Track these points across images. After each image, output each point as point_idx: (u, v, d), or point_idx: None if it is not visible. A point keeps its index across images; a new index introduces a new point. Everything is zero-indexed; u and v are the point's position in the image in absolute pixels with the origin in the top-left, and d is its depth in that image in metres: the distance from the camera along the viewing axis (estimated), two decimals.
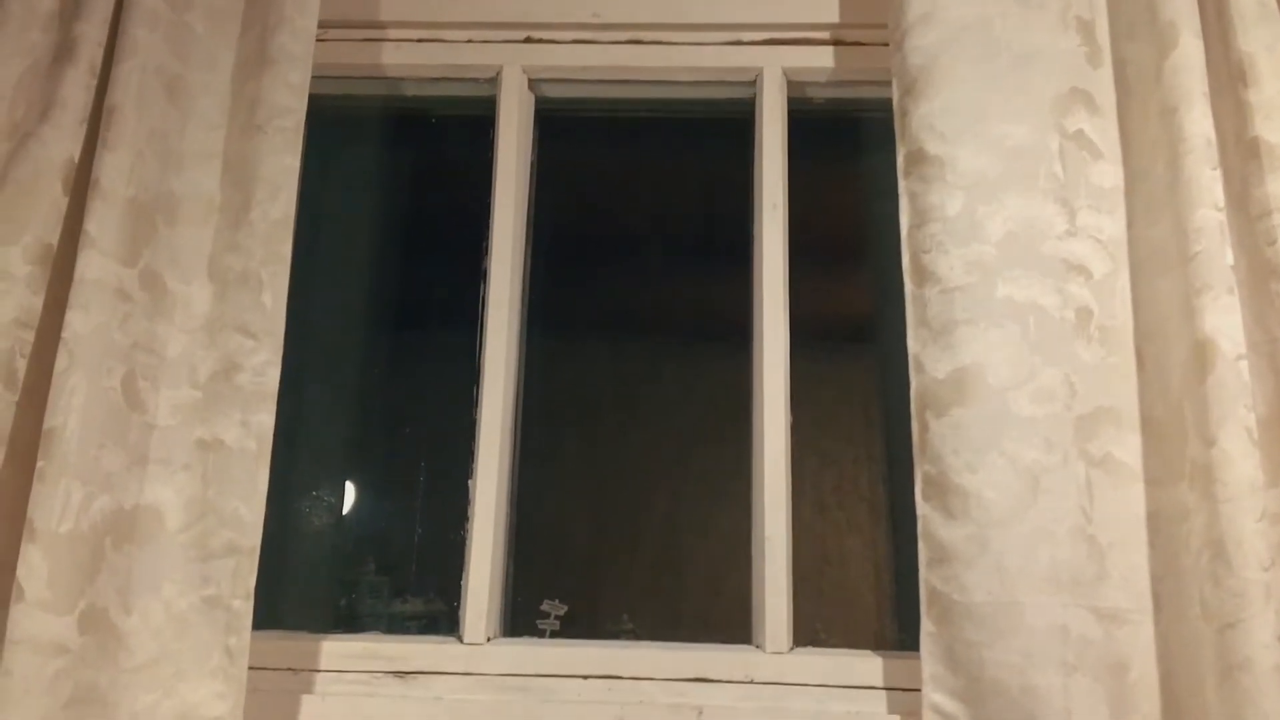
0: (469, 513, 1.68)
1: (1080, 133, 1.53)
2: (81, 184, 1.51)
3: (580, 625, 1.75)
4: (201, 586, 1.43)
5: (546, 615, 1.74)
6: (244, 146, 1.57)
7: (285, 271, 1.52)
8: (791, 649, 1.60)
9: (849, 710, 1.52)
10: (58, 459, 1.37)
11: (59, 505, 1.37)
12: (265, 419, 1.48)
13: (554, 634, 1.73)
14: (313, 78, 1.60)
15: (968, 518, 1.40)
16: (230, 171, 1.58)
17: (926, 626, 1.42)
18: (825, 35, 1.82)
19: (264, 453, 1.47)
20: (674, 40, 1.84)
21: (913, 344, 1.50)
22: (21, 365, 1.45)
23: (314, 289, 1.88)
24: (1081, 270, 1.48)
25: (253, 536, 1.45)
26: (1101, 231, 1.50)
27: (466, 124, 1.94)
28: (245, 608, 1.43)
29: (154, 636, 1.42)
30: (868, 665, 1.56)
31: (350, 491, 1.87)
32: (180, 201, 1.57)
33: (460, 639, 1.62)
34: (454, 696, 1.55)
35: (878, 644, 1.70)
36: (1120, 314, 1.48)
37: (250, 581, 1.43)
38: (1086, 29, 1.57)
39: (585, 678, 1.57)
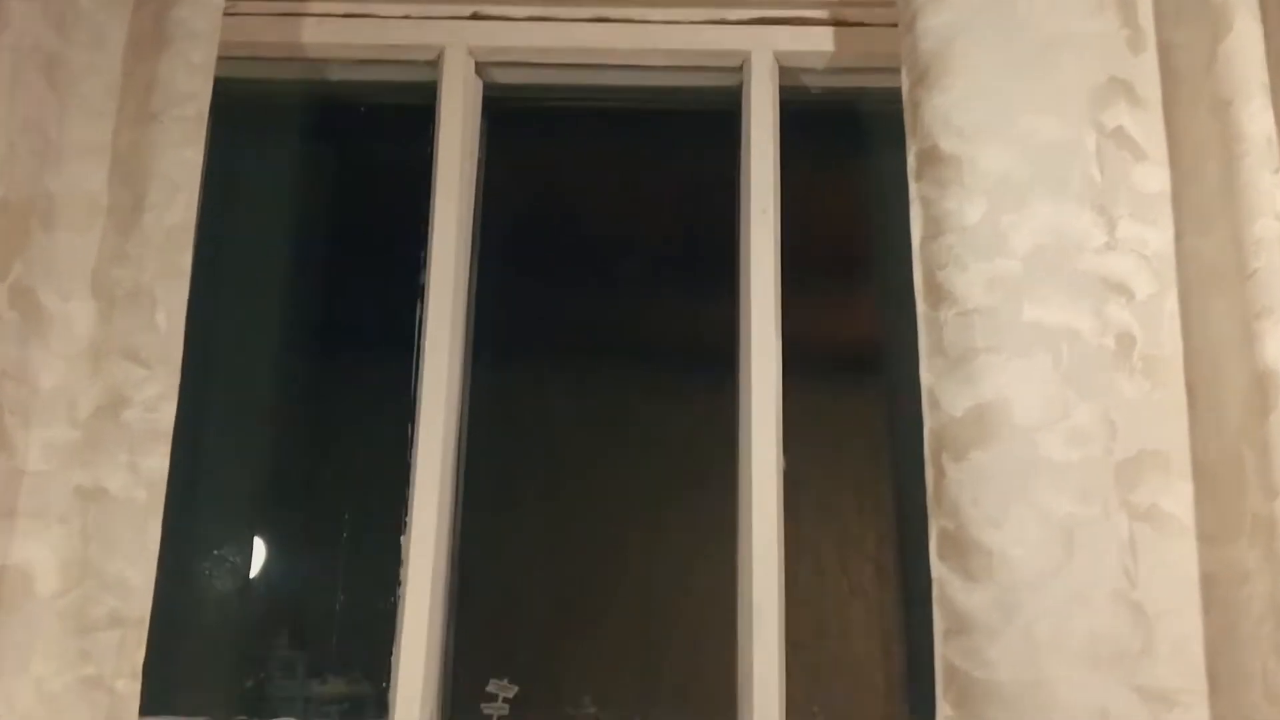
0: (402, 575, 1.66)
1: (1120, 129, 1.54)
2: None
3: (534, 709, 1.73)
4: (80, 664, 1.42)
5: (494, 698, 1.72)
6: (136, 138, 1.56)
7: (184, 287, 1.51)
8: None
9: None
10: None
11: None
12: (158, 463, 1.46)
13: (502, 719, 1.72)
14: (219, 58, 1.60)
15: (991, 580, 1.40)
16: (120, 168, 1.57)
17: (943, 710, 1.41)
18: (823, 14, 1.84)
19: (155, 503, 1.46)
20: (647, 18, 1.85)
21: (926, 375, 1.50)
22: None
23: (219, 308, 1.86)
24: (1122, 289, 1.49)
25: (141, 604, 1.43)
26: (1145, 245, 1.51)
27: (402, 114, 1.94)
28: (132, 689, 1.41)
29: None
30: None
31: (259, 550, 1.85)
32: (59, 203, 1.56)
33: None
34: None
35: None
36: (1168, 341, 1.49)
37: (138, 658, 1.42)
38: (1126, 9, 1.59)
39: None
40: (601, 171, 2.03)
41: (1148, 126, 1.56)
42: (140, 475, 1.46)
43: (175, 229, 1.53)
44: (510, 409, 1.90)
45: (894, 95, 1.63)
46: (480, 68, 1.88)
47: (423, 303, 1.76)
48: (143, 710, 1.42)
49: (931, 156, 1.54)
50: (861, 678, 1.78)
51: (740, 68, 1.85)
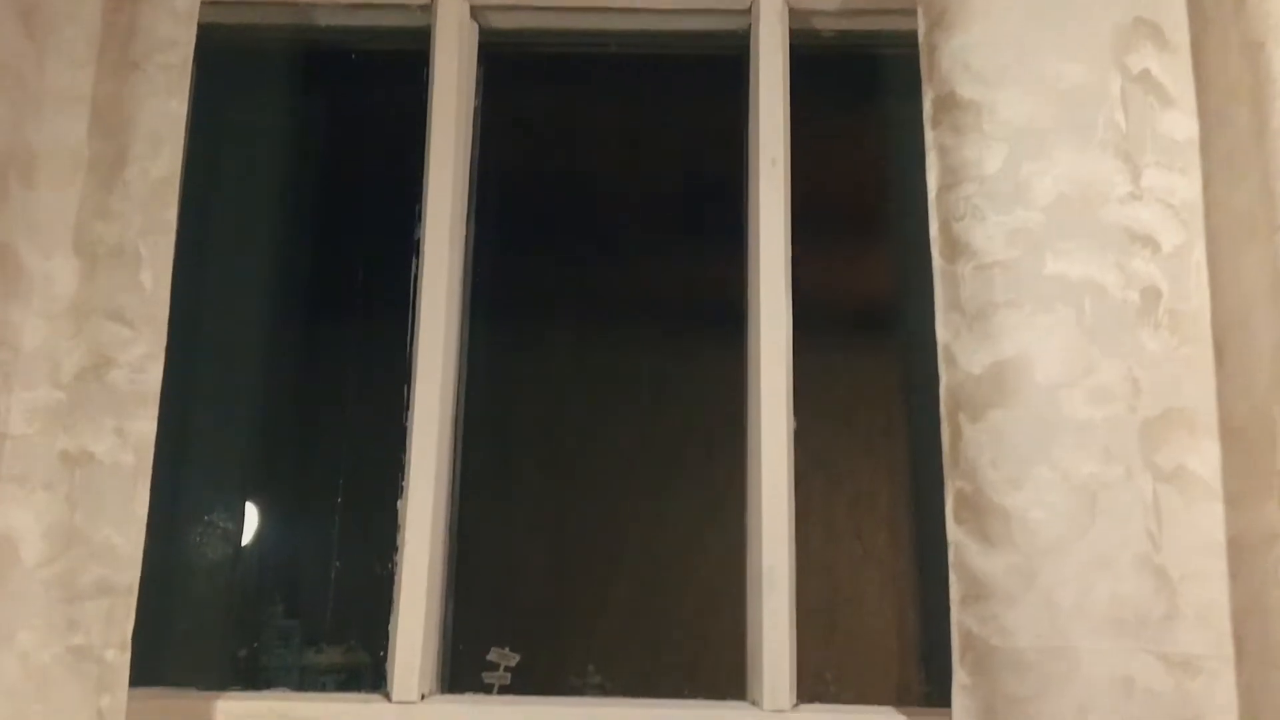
0: (399, 541, 1.66)
1: (1146, 73, 1.53)
2: None
3: (536, 679, 1.74)
4: (67, 634, 1.42)
5: (495, 667, 1.73)
6: (118, 88, 1.55)
7: (170, 244, 1.51)
8: (795, 706, 1.59)
9: None
10: None
11: None
12: (145, 426, 1.46)
13: (504, 689, 1.72)
14: (203, 3, 1.58)
15: (1010, 545, 1.40)
16: (101, 119, 1.56)
17: (960, 678, 1.42)
18: None
19: (143, 468, 1.45)
20: None
21: (942, 332, 1.50)
22: None
23: (206, 266, 1.86)
24: (1148, 241, 1.48)
25: (130, 572, 1.43)
26: (1172, 194, 1.50)
27: (394, 62, 1.92)
28: (121, 660, 1.41)
29: (7, 697, 1.40)
30: None
31: (252, 516, 1.85)
32: (38, 157, 1.55)
33: (388, 697, 1.60)
34: None
35: (900, 699, 1.70)
36: (1195, 295, 1.48)
37: (127, 627, 1.42)
38: None
39: None
40: (603, 121, 2.02)
41: (1175, 70, 1.54)
42: (127, 439, 1.46)
43: (160, 183, 1.51)
44: (510, 370, 1.90)
45: (910, 39, 1.61)
46: (476, 11, 1.86)
47: (418, 259, 1.74)
48: (133, 681, 1.42)
49: (949, 103, 1.52)
50: (875, 646, 1.79)
51: (748, 10, 1.84)
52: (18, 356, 1.50)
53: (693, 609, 1.82)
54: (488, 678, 1.72)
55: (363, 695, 1.62)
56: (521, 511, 1.87)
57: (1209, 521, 1.43)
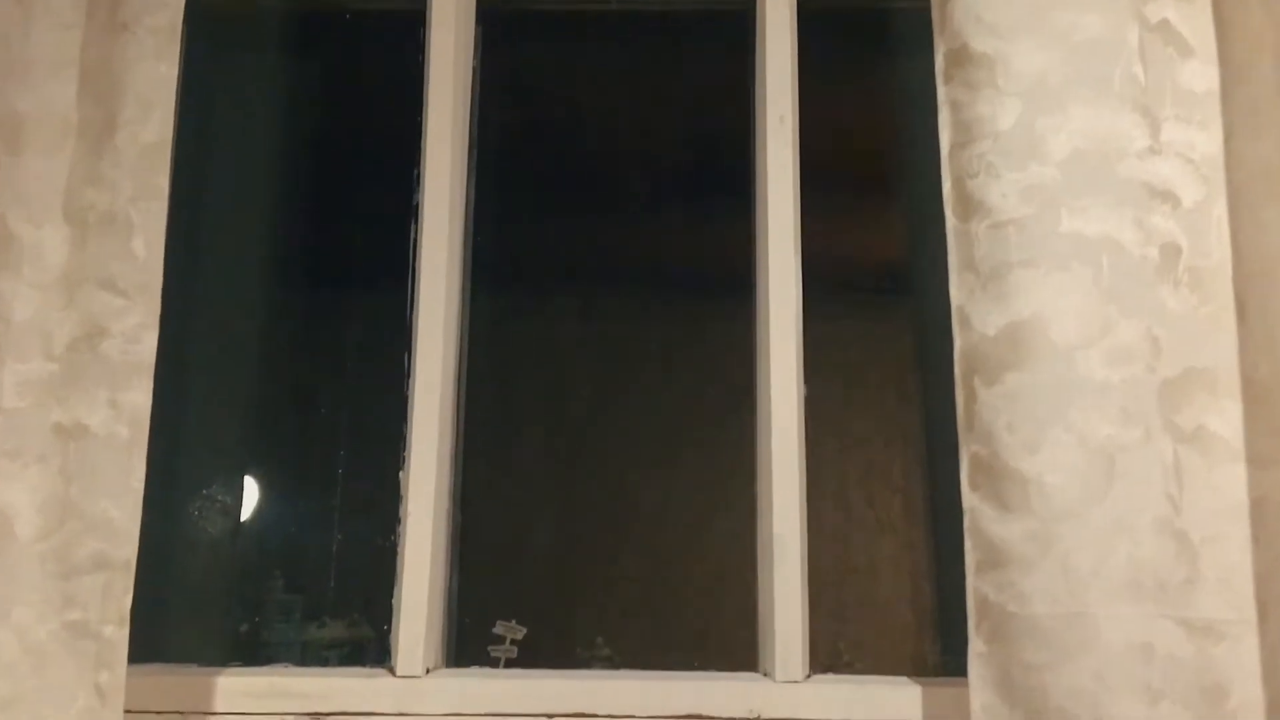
0: (401, 513, 1.67)
1: (1165, 23, 1.52)
2: None
3: (544, 652, 1.74)
4: (64, 609, 1.42)
5: (501, 640, 1.74)
6: (107, 51, 1.54)
7: (162, 210, 1.51)
8: (808, 676, 1.60)
9: None
10: None
11: None
12: (140, 398, 1.46)
13: (510, 663, 1.73)
14: None
15: (1026, 510, 1.40)
16: (90, 84, 1.56)
17: (976, 646, 1.42)
18: None
19: (139, 440, 1.46)
20: None
21: (956, 293, 1.50)
22: None
23: (200, 233, 1.86)
24: (1167, 197, 1.48)
25: (127, 546, 1.44)
26: (1192, 148, 1.49)
27: (390, 22, 1.92)
28: (119, 635, 1.42)
29: (4, 674, 1.41)
30: (903, 695, 1.56)
31: (251, 489, 1.86)
32: (26, 123, 1.54)
33: (393, 671, 1.61)
34: None
35: (915, 669, 1.70)
36: (1216, 252, 1.48)
37: (125, 602, 1.42)
38: None
39: (550, 717, 1.57)
40: (605, 80, 2.01)
41: (1195, 20, 1.53)
42: (122, 411, 1.46)
43: (151, 148, 1.51)
44: (513, 337, 1.90)
45: None
46: None
47: (417, 224, 1.74)
48: (132, 657, 1.42)
49: (961, 57, 1.52)
50: (889, 615, 1.79)
51: None
52: (9, 328, 1.50)
53: (703, 579, 1.82)
54: (494, 651, 1.73)
55: (367, 670, 1.63)
56: (527, 482, 1.87)
57: (1231, 483, 1.42)
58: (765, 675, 1.62)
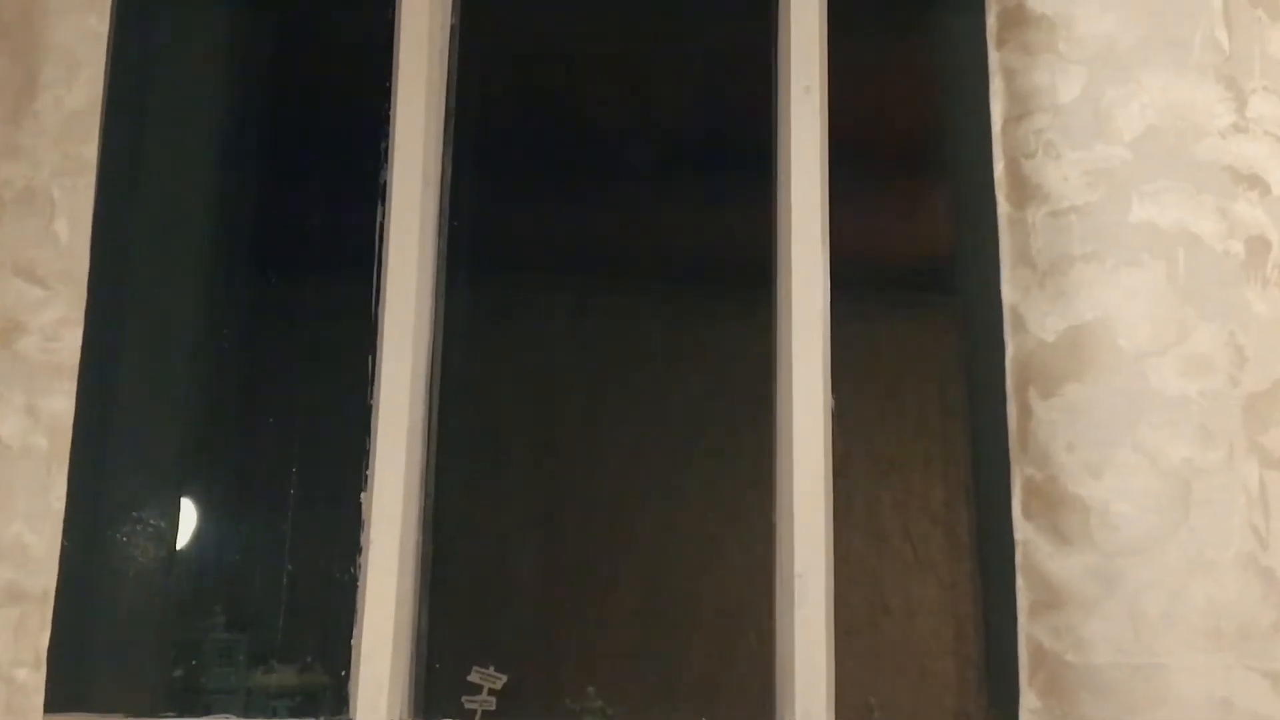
0: (362, 540, 1.67)
1: None
2: None
3: (527, 703, 1.74)
4: None
5: (477, 689, 1.73)
6: (27, 2, 1.55)
7: (89, 186, 1.52)
8: None
9: None
10: None
11: None
12: (61, 403, 1.48)
13: (488, 715, 1.73)
14: None
15: (1088, 543, 1.41)
16: (6, 38, 1.56)
17: (1029, 701, 1.43)
18: None
19: (59, 454, 1.47)
20: None
21: (1009, 291, 1.51)
22: None
23: (135, 214, 1.85)
24: (1254, 182, 1.48)
25: (44, 576, 1.45)
26: None
27: None
28: (34, 680, 1.43)
29: None
30: None
31: (188, 511, 1.85)
32: None
33: None
34: None
35: None
36: None
37: (41, 641, 1.44)
38: None
39: None
40: (604, 40, 2.01)
41: None
42: (40, 419, 1.47)
43: (77, 115, 1.53)
44: (494, 338, 1.89)
45: None
46: None
47: (384, 206, 1.74)
48: (48, 706, 1.43)
49: (1017, 17, 1.53)
50: (928, 664, 1.79)
51: None
52: None
53: (711, 619, 1.82)
54: (469, 702, 1.72)
55: None
56: (509, 506, 1.86)
57: None
58: None
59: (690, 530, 1.86)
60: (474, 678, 1.73)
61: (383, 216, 1.74)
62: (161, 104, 1.91)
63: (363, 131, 1.82)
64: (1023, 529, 1.46)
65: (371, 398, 1.71)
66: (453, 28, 1.87)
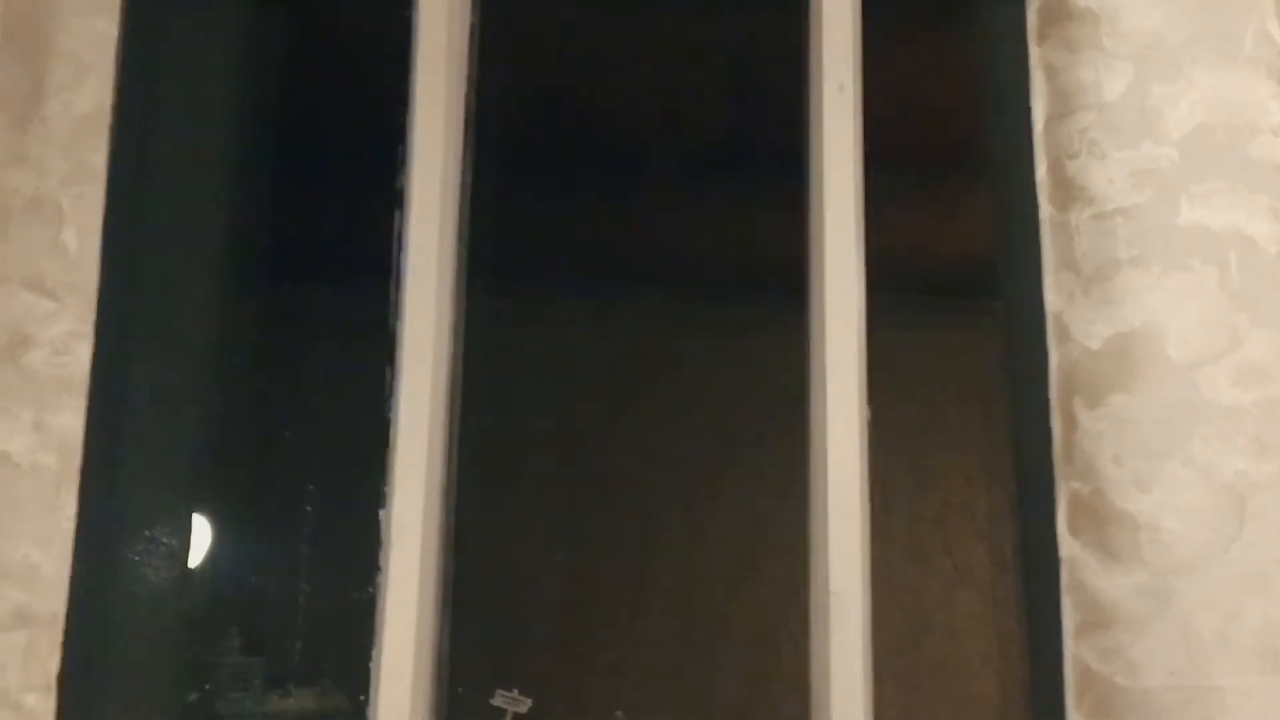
0: (382, 560, 1.66)
1: None
2: None
3: None
4: None
5: (502, 713, 1.74)
6: (33, 4, 1.55)
7: (99, 195, 1.53)
8: None
9: None
10: None
11: None
12: (70, 420, 1.48)
13: None
14: None
15: (1138, 560, 1.41)
16: (13, 42, 1.57)
17: None
18: None
19: (69, 472, 1.48)
20: None
21: (1053, 298, 1.51)
22: None
23: (146, 223, 1.86)
24: None
25: (54, 599, 1.45)
26: None
27: None
28: (44, 706, 1.44)
29: None
30: None
31: (202, 530, 1.86)
32: None
33: None
34: None
35: None
36: None
37: (51, 665, 1.44)
38: None
39: None
40: (629, 41, 2.01)
41: None
42: (49, 435, 1.48)
43: (86, 120, 1.54)
44: (517, 348, 1.89)
45: None
46: None
47: (402, 213, 1.74)
48: None
49: (1059, 11, 1.53)
50: (970, 686, 1.79)
51: None
52: None
53: (744, 639, 1.82)
54: None
55: None
56: (533, 521, 1.87)
57: None
58: None
59: (721, 546, 1.86)
60: (498, 701, 1.74)
61: (401, 223, 1.74)
62: (173, 109, 1.91)
63: (380, 136, 1.81)
64: (1069, 545, 1.46)
65: (390, 411, 1.70)
66: (473, 27, 1.87)
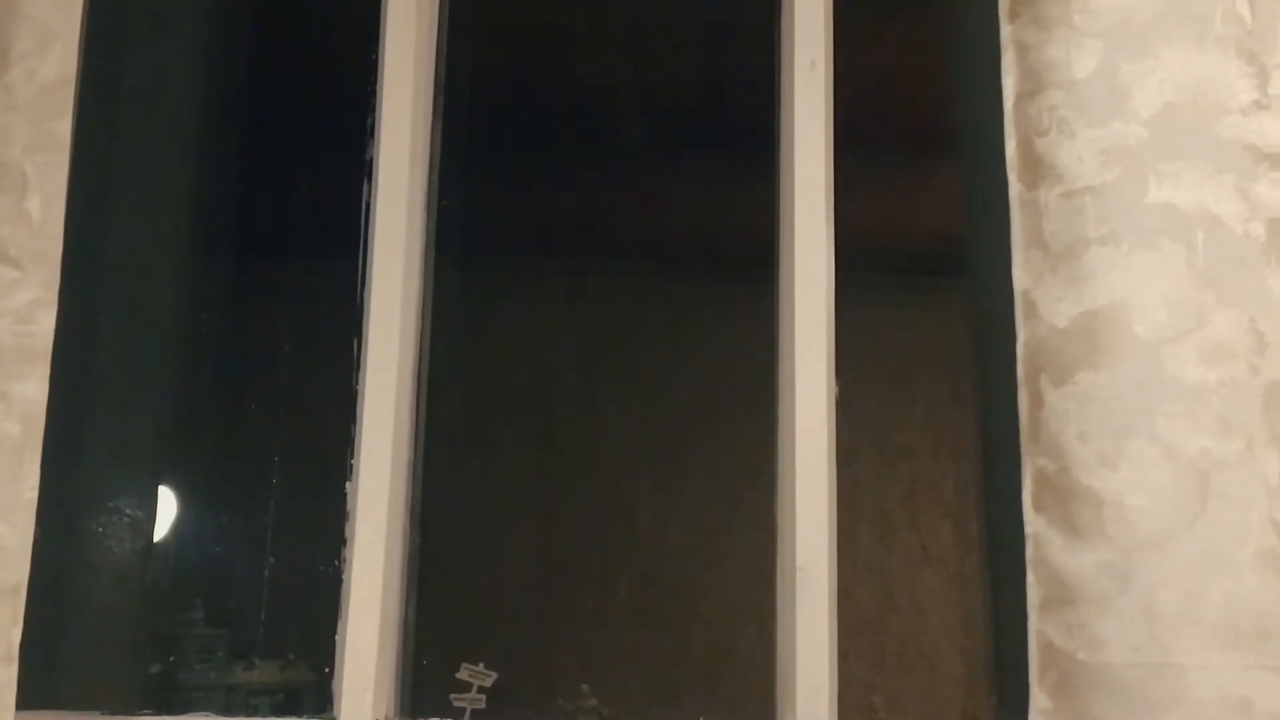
0: (348, 533, 1.67)
1: None
2: None
3: (518, 701, 1.74)
4: None
5: (467, 687, 1.73)
6: None
7: (63, 164, 1.52)
8: None
9: None
10: None
11: None
12: (34, 389, 1.47)
13: (478, 715, 1.73)
14: None
15: (1101, 537, 1.41)
16: None
17: (1039, 701, 1.42)
18: None
19: (33, 441, 1.47)
20: None
21: (1021, 276, 1.50)
22: None
23: (111, 192, 1.85)
24: (1277, 161, 1.48)
25: (17, 569, 1.44)
26: None
27: None
28: (5, 676, 1.42)
29: None
30: None
31: (167, 501, 1.86)
32: None
33: None
34: None
35: None
36: None
37: (13, 636, 1.43)
38: None
39: None
40: (601, 13, 2.01)
41: None
42: (12, 405, 1.47)
43: (51, 88, 1.52)
44: (486, 322, 1.89)
45: None
46: None
47: (370, 184, 1.74)
48: (20, 703, 1.43)
49: None
50: (935, 662, 1.79)
51: None
52: None
53: (711, 616, 1.82)
54: (458, 700, 1.72)
55: None
56: (501, 496, 1.87)
57: None
58: None
59: (689, 522, 1.86)
60: (463, 675, 1.73)
61: (369, 195, 1.74)
62: (139, 78, 1.90)
63: (348, 106, 1.81)
64: (1034, 522, 1.46)
65: (357, 384, 1.70)
66: (442, 1, 1.87)
